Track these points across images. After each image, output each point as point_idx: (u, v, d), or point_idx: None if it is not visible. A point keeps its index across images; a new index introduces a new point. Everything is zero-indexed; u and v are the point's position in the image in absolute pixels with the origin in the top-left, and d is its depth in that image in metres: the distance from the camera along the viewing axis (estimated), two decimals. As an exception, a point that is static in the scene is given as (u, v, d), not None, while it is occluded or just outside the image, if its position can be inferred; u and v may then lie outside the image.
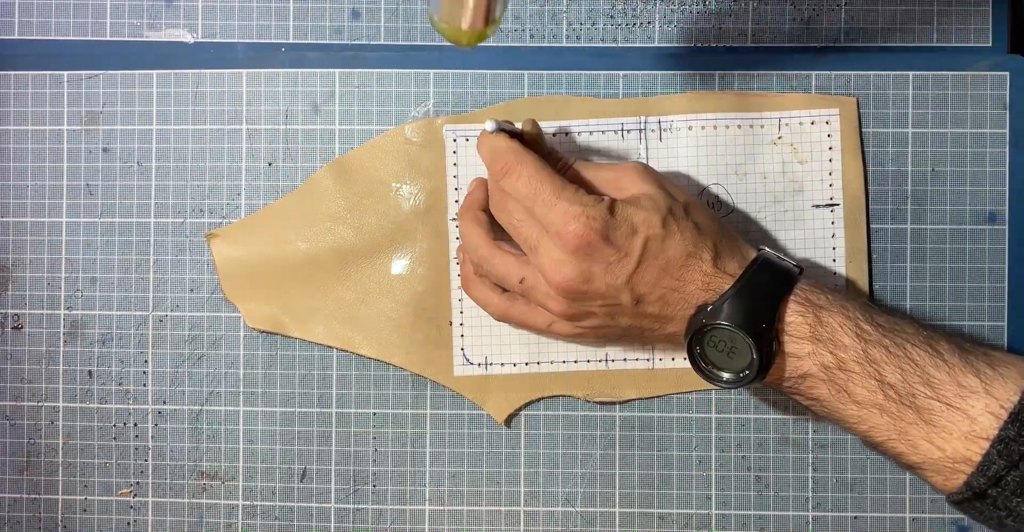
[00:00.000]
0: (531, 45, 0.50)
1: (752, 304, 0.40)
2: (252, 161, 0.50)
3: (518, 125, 0.45)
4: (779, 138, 0.49)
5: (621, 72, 0.50)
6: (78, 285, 0.51)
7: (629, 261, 0.41)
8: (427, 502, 0.50)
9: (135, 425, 0.51)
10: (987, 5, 0.49)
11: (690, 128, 0.49)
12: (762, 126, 0.49)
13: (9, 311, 0.51)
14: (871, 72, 0.49)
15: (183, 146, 0.51)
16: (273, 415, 0.50)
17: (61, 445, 0.51)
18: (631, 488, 0.49)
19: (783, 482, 0.49)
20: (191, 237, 0.51)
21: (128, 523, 0.51)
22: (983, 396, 0.38)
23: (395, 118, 0.50)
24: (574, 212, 0.41)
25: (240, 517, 0.50)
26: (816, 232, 0.49)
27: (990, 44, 0.50)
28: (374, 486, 0.50)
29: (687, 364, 0.48)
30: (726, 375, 0.42)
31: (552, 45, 0.50)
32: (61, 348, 0.51)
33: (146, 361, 0.51)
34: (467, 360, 0.49)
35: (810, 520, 0.49)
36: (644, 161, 0.49)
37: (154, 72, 0.51)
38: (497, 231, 0.45)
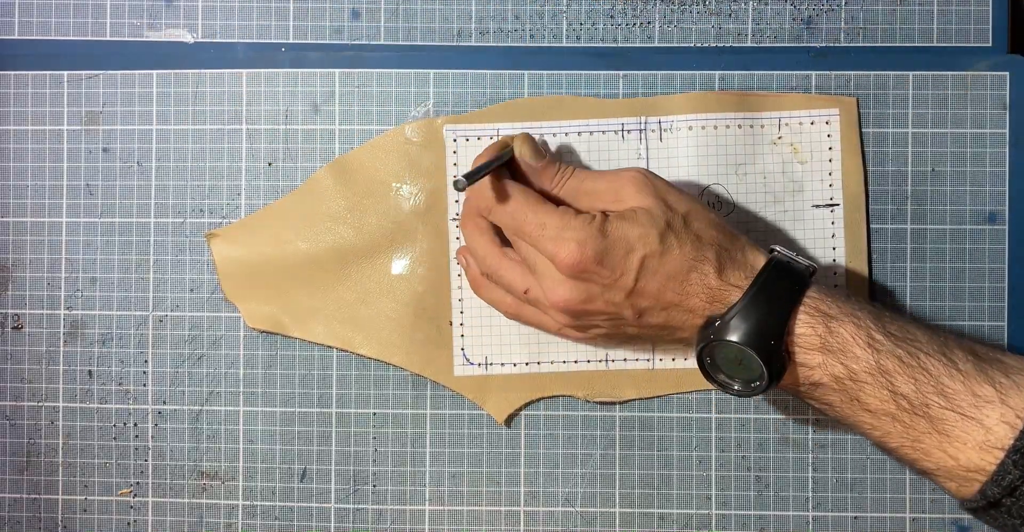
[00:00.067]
0: (531, 45, 0.50)
1: (761, 319, 0.40)
2: (252, 161, 0.50)
3: (529, 130, 0.45)
4: (779, 138, 0.49)
5: (621, 72, 0.50)
6: (78, 285, 0.51)
7: (626, 280, 0.41)
8: (427, 502, 0.50)
9: (135, 425, 0.51)
10: (987, 5, 0.49)
11: (690, 128, 0.49)
12: (762, 126, 0.49)
13: (9, 311, 0.51)
14: (871, 72, 0.49)
15: (183, 146, 0.51)
16: (273, 415, 0.50)
17: (61, 445, 0.51)
18: (631, 488, 0.49)
19: (783, 482, 0.49)
20: (191, 237, 0.51)
21: (128, 523, 0.51)
22: (998, 406, 0.37)
23: (395, 118, 0.50)
24: (563, 238, 0.40)
25: (240, 517, 0.50)
26: (816, 232, 0.49)
27: (990, 44, 0.50)
28: (374, 486, 0.50)
29: (687, 364, 0.49)
30: (737, 385, 0.42)
31: (552, 45, 0.50)
32: (61, 348, 0.51)
33: (146, 361, 0.51)
34: (467, 360, 0.49)
35: (810, 520, 0.49)
36: (644, 161, 0.49)
37: (154, 72, 0.50)
38: (502, 236, 0.45)
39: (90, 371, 0.51)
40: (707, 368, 0.42)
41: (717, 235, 0.42)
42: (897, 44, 0.50)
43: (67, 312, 0.51)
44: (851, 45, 0.50)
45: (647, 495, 0.49)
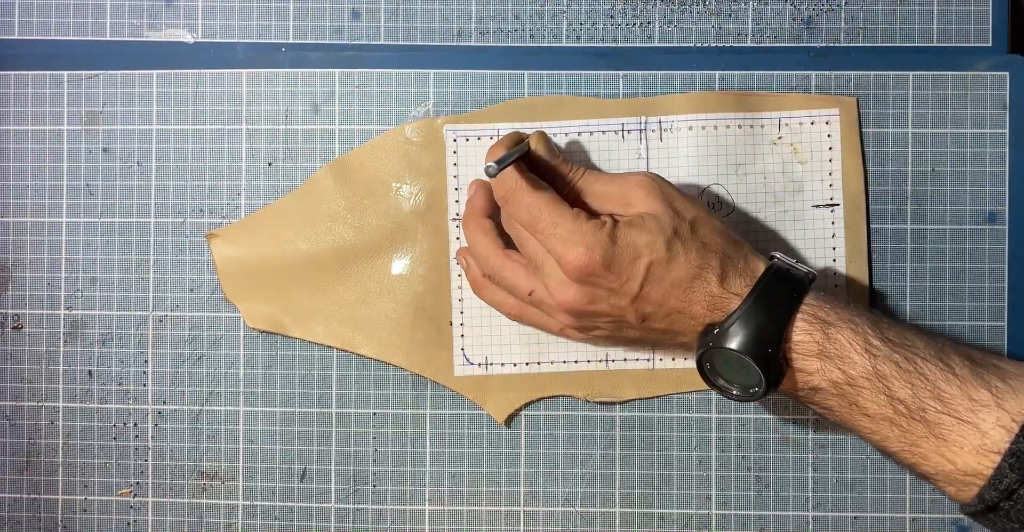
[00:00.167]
0: (531, 45, 0.50)
1: (759, 327, 0.40)
2: (252, 161, 0.50)
3: (529, 130, 0.45)
4: (779, 138, 0.49)
5: (621, 72, 0.50)
6: (78, 285, 0.51)
7: (632, 285, 0.41)
8: (427, 502, 0.50)
9: (135, 425, 0.51)
10: (987, 5, 0.49)
11: (690, 128, 0.49)
12: (762, 126, 0.49)
13: (9, 311, 0.51)
14: (871, 72, 0.49)
15: (183, 146, 0.51)
16: (273, 415, 0.50)
17: (61, 445, 0.51)
18: (631, 488, 0.49)
19: (783, 482, 0.49)
20: (191, 237, 0.51)
21: (128, 523, 0.51)
22: (995, 410, 0.37)
23: (395, 118, 0.50)
24: (573, 241, 0.41)
25: (240, 517, 0.50)
26: (816, 232, 0.49)
27: (990, 44, 0.50)
28: (374, 486, 0.50)
29: (687, 364, 0.49)
30: (736, 390, 0.42)
31: (552, 45, 0.50)
32: (61, 348, 0.51)
33: (146, 361, 0.51)
34: (467, 360, 0.49)
35: (810, 520, 0.49)
36: (644, 161, 0.49)
37: (154, 72, 0.50)
38: (504, 237, 0.45)
39: (90, 371, 0.51)
40: (707, 373, 0.43)
41: (722, 242, 0.42)
42: (897, 44, 0.50)
43: (67, 312, 0.51)
44: (851, 45, 0.50)
45: (647, 495, 0.49)
